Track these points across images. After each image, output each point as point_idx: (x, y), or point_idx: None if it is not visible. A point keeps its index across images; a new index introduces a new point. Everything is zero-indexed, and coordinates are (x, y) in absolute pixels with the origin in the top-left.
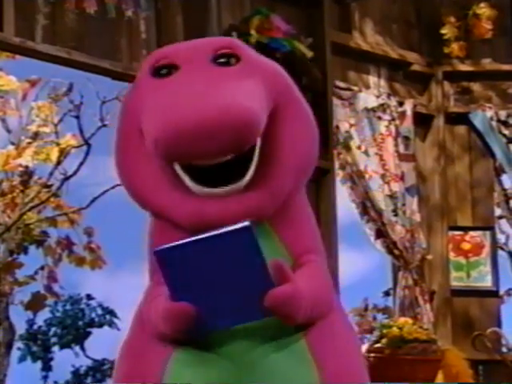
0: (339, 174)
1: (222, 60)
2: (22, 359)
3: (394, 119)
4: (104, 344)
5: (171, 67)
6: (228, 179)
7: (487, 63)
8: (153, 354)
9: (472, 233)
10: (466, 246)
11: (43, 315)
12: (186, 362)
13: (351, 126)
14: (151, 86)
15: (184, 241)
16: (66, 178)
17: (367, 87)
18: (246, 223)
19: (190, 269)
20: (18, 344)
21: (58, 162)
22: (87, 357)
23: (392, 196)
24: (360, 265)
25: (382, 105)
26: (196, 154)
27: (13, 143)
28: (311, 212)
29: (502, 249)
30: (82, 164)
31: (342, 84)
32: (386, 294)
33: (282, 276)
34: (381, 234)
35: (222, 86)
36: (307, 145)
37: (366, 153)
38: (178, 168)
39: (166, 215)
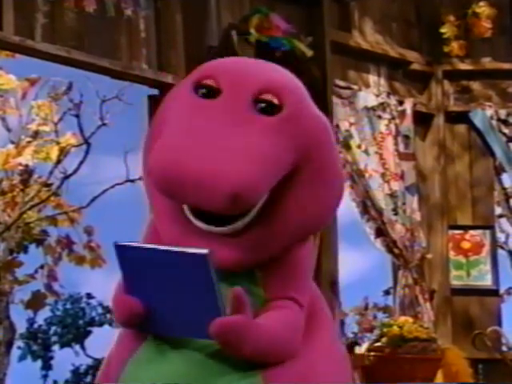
0: None
1: (262, 105)
2: (22, 358)
3: (393, 118)
4: (104, 343)
5: (213, 90)
6: (225, 220)
7: (487, 62)
8: (118, 353)
9: (472, 232)
10: (465, 244)
11: (43, 314)
12: (146, 356)
13: (351, 124)
14: (185, 101)
15: (144, 245)
16: (66, 177)
17: (367, 86)
18: (205, 251)
19: (144, 272)
20: (19, 343)
21: (58, 161)
22: (87, 356)
23: (392, 195)
24: (360, 264)
25: (382, 104)
26: (182, 201)
27: (13, 142)
28: (309, 265)
29: (502, 248)
30: (81, 163)
31: (341, 83)
32: (386, 292)
33: (237, 305)
34: (381, 232)
35: (240, 140)
36: (319, 210)
37: (366, 152)
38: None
39: (159, 227)
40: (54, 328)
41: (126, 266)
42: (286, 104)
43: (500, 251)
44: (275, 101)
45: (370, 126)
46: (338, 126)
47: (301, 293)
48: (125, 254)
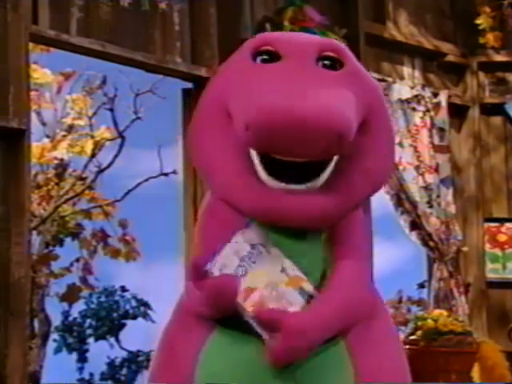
0: None
1: (326, 62)
2: (57, 351)
3: (428, 110)
4: (138, 336)
5: (273, 55)
6: (301, 178)
7: None
8: (188, 343)
9: (508, 224)
10: (501, 237)
11: (78, 307)
12: (221, 346)
13: None
14: (249, 68)
15: None
16: (101, 171)
17: (401, 78)
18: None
19: None
20: (54, 335)
21: (93, 155)
22: (122, 348)
23: (427, 187)
24: (394, 257)
25: (417, 96)
26: (285, 149)
27: (48, 136)
28: (364, 219)
29: None
30: (116, 156)
31: (376, 75)
32: (421, 286)
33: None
34: (415, 225)
35: (324, 88)
36: (387, 162)
37: (400, 144)
38: (254, 157)
39: (229, 197)
40: (88, 321)
41: None
42: (346, 61)
43: None
44: (339, 57)
45: (405, 119)
46: None
47: (361, 244)
48: None
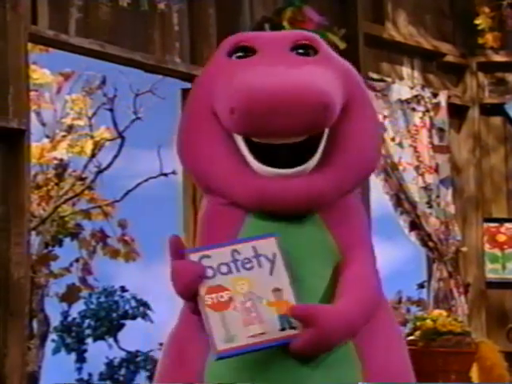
0: None
1: (300, 50)
2: (56, 351)
3: (428, 110)
4: (137, 336)
5: (249, 50)
6: (290, 163)
7: None
8: (197, 343)
9: (507, 224)
10: (501, 237)
11: (77, 307)
12: None
13: (385, 117)
14: (227, 65)
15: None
16: (100, 171)
17: (401, 78)
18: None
19: None
20: (53, 336)
21: (93, 155)
22: (121, 349)
23: (426, 188)
24: (394, 257)
25: (416, 96)
26: (271, 129)
27: (47, 136)
28: (362, 208)
29: None
30: (116, 157)
31: (375, 75)
32: (421, 286)
33: (307, 321)
34: (415, 225)
35: (302, 68)
36: (373, 143)
37: (400, 144)
38: (242, 146)
39: (224, 191)
40: (87, 321)
41: None
42: (319, 48)
43: None
44: (311, 44)
45: (404, 119)
46: None
47: (363, 235)
48: None
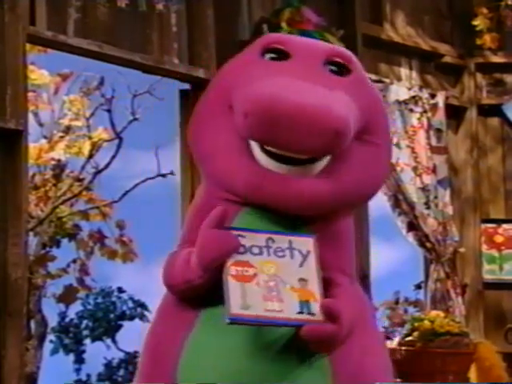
0: None
1: (333, 67)
2: (54, 352)
3: (425, 111)
4: (135, 337)
5: (283, 54)
6: (296, 161)
7: None
8: (171, 339)
9: (505, 225)
10: (498, 238)
11: (75, 308)
12: (203, 339)
13: None
14: (256, 64)
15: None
16: (98, 172)
17: (399, 79)
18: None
19: None
20: (51, 337)
21: (90, 156)
22: (119, 349)
23: (424, 188)
24: (391, 258)
25: (414, 97)
26: (279, 142)
27: (45, 137)
28: (353, 237)
29: None
30: (113, 157)
31: (373, 76)
32: (418, 287)
33: (330, 316)
34: (413, 226)
35: (325, 88)
36: (381, 170)
37: (397, 145)
38: (254, 145)
39: (224, 180)
40: (85, 322)
41: None
42: (353, 69)
43: None
44: (346, 64)
45: (402, 120)
46: None
47: (350, 264)
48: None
